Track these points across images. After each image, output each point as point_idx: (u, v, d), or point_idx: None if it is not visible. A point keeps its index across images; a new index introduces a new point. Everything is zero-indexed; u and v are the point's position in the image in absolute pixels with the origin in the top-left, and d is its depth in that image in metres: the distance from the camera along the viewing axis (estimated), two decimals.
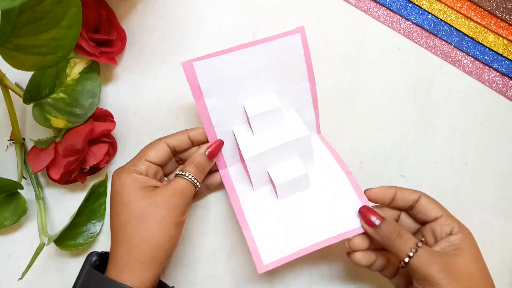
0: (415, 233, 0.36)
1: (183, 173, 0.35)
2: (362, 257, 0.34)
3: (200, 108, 0.36)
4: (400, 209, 0.36)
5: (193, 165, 0.36)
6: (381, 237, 0.33)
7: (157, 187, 0.35)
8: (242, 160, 0.38)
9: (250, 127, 0.37)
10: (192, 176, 0.35)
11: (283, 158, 0.37)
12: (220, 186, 0.41)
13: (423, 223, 0.35)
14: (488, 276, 0.32)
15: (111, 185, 0.35)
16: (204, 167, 0.37)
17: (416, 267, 0.31)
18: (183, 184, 0.35)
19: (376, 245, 0.35)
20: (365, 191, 0.36)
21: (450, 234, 0.33)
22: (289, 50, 0.36)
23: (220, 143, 0.37)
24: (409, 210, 0.36)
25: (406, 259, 0.31)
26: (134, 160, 0.36)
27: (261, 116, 0.36)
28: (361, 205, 0.35)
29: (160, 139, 0.37)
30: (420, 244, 0.31)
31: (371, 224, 0.33)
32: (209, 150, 0.37)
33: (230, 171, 0.39)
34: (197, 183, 0.36)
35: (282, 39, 0.35)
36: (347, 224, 0.34)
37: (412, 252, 0.31)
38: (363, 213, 0.34)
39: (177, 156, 0.39)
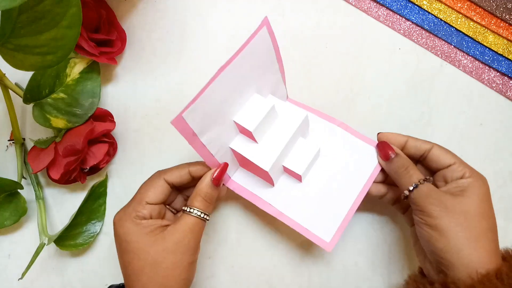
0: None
1: (190, 210, 0.33)
2: (373, 188, 0.37)
3: (197, 148, 0.33)
4: (412, 157, 0.36)
5: (200, 198, 0.33)
6: (391, 170, 0.35)
7: (164, 225, 0.33)
8: (242, 163, 0.38)
9: (253, 137, 0.35)
10: (201, 212, 0.33)
11: (291, 147, 0.37)
12: (224, 197, 0.40)
13: (436, 171, 0.36)
14: (490, 220, 0.32)
15: (114, 232, 0.33)
16: (213, 197, 0.34)
17: (413, 199, 0.33)
18: (192, 223, 0.33)
19: (390, 180, 0.37)
20: (378, 133, 0.38)
21: (461, 178, 0.33)
22: (260, 47, 0.35)
23: (225, 166, 0.35)
24: (422, 159, 0.36)
25: (406, 192, 0.34)
26: (134, 204, 0.33)
27: (260, 124, 0.35)
28: (368, 147, 0.38)
29: (159, 175, 0.35)
30: (422, 181, 0.33)
31: (386, 157, 0.36)
32: (214, 176, 0.34)
33: (236, 179, 0.38)
34: (206, 218, 0.34)
35: (252, 41, 0.34)
36: (368, 169, 0.37)
37: (412, 186, 0.33)
38: (381, 147, 0.36)
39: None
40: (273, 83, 0.38)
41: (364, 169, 0.37)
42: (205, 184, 0.34)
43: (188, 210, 0.33)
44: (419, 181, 0.33)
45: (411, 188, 0.33)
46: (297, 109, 0.37)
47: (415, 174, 0.34)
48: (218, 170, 0.34)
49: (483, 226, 0.32)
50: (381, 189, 0.38)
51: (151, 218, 0.33)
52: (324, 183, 0.38)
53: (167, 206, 0.37)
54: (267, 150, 0.35)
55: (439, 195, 0.32)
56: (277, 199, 0.37)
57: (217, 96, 0.33)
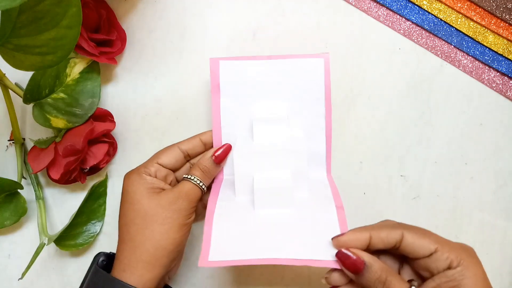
0: (403, 265, 0.31)
1: (189, 177, 0.35)
2: (339, 277, 0.30)
3: (214, 105, 0.37)
4: (382, 250, 0.31)
5: (199, 168, 0.36)
6: (364, 286, 0.29)
7: (165, 189, 0.35)
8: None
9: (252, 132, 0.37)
10: (198, 180, 0.35)
11: (273, 169, 0.36)
12: None
13: (414, 259, 0.29)
14: None
15: (123, 183, 0.35)
16: (210, 171, 0.36)
17: None
18: (189, 187, 0.35)
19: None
20: (332, 239, 0.30)
21: (449, 268, 0.28)
22: (310, 72, 0.37)
23: (228, 147, 0.37)
24: (393, 250, 0.30)
25: None
26: (145, 162, 0.36)
27: (264, 121, 0.36)
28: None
29: (173, 144, 0.37)
30: None
31: (354, 271, 0.29)
32: (216, 154, 0.36)
33: (225, 179, 0.38)
34: (203, 187, 0.36)
35: (305, 60, 0.37)
36: (319, 253, 0.30)
37: None
38: (342, 259, 0.29)
39: (191, 163, 0.38)
40: (312, 127, 0.38)
41: (315, 250, 0.31)
42: (205, 158, 0.36)
43: (187, 177, 0.35)
44: None
45: None
46: (302, 142, 0.36)
47: (397, 286, 0.27)
48: (221, 149, 0.37)
49: None
50: None
51: (156, 177, 0.35)
52: (271, 226, 0.34)
53: None
54: (251, 147, 0.36)
55: None
56: (224, 203, 0.36)
57: (254, 76, 0.36)
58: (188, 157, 0.38)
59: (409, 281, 0.29)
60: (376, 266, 0.28)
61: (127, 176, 0.35)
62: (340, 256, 0.29)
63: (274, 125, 0.37)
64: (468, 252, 0.29)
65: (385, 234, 0.29)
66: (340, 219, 0.33)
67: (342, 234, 0.30)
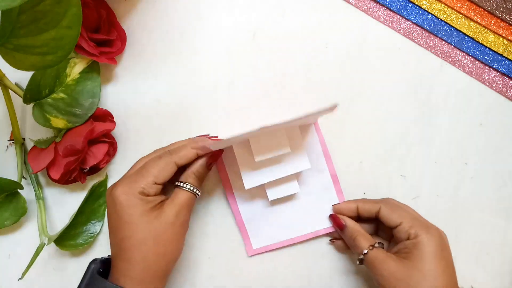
0: (392, 237, 0.38)
1: (184, 185, 0.36)
2: (341, 244, 0.41)
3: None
4: (372, 218, 0.39)
5: (194, 175, 0.36)
6: (345, 239, 0.39)
7: (162, 201, 0.36)
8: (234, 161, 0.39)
9: (252, 152, 0.38)
10: (194, 188, 0.36)
11: (280, 179, 0.40)
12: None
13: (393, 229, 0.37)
14: (441, 279, 0.33)
15: (115, 204, 0.34)
16: (203, 176, 0.37)
17: (366, 267, 0.36)
18: (187, 197, 0.36)
19: None
20: (332, 205, 0.41)
21: (407, 239, 0.35)
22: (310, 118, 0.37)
23: (219, 153, 0.38)
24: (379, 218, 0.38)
25: (357, 262, 0.37)
26: (141, 180, 0.35)
27: (267, 160, 0.38)
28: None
29: (169, 157, 0.36)
30: (371, 247, 0.36)
31: (339, 228, 0.39)
32: (209, 159, 0.37)
33: (225, 160, 0.41)
34: (198, 192, 0.37)
35: (306, 117, 0.34)
36: (324, 223, 0.42)
37: (360, 257, 0.36)
38: (331, 220, 0.41)
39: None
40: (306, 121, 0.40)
41: (321, 222, 0.42)
42: (199, 165, 0.37)
43: (182, 185, 0.36)
44: (367, 249, 0.36)
45: (359, 258, 0.36)
46: (305, 160, 0.39)
47: (361, 243, 0.36)
48: (213, 156, 0.38)
49: None
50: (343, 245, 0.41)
51: (154, 195, 0.35)
52: (285, 211, 0.42)
53: None
54: (258, 173, 0.38)
55: (384, 262, 0.34)
56: (245, 207, 0.42)
57: (243, 136, 0.35)
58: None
59: (379, 243, 0.37)
60: (351, 227, 0.38)
61: (125, 198, 0.34)
62: (331, 218, 0.41)
63: (275, 156, 0.38)
64: (428, 231, 0.35)
65: (368, 206, 0.39)
66: (337, 190, 0.42)
67: (339, 203, 0.41)
